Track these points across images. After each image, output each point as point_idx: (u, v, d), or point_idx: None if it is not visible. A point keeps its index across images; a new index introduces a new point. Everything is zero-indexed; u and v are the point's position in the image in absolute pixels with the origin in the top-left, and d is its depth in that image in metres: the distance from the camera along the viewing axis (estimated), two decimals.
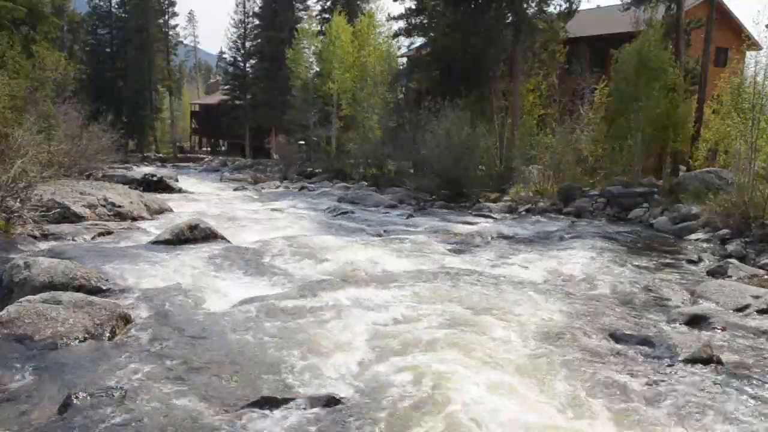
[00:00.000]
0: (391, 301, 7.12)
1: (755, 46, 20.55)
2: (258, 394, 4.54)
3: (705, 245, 11.75)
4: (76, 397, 4.21)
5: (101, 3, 48.35)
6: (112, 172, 24.17)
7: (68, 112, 21.60)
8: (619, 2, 23.18)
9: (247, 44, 47.28)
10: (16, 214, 10.62)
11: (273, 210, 16.89)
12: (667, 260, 10.46)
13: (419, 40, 29.17)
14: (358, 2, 39.14)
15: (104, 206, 13.46)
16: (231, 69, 49.51)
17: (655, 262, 10.22)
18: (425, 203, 19.55)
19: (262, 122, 43.48)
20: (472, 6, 24.67)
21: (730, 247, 10.98)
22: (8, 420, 4.06)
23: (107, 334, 5.57)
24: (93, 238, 10.62)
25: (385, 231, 13.17)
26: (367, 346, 5.57)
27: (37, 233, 10.43)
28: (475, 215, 16.75)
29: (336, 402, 4.44)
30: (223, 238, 10.47)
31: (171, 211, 15.42)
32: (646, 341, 5.84)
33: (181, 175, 28.61)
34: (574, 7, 24.12)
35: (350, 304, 6.98)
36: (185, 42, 69.21)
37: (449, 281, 8.34)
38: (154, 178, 22.01)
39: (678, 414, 4.48)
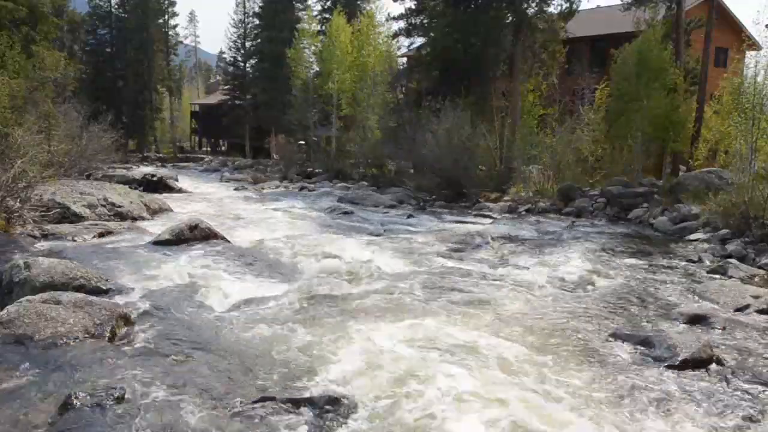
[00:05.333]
0: (392, 302, 7.12)
1: (755, 46, 20.56)
2: (258, 394, 4.54)
3: (705, 245, 11.74)
4: (76, 397, 4.21)
5: (101, 3, 48.24)
6: (112, 172, 24.15)
7: (68, 112, 21.55)
8: (619, 2, 23.17)
9: (247, 44, 47.23)
10: (16, 214, 10.62)
11: (273, 210, 16.89)
12: (667, 260, 10.46)
13: (419, 40, 29.13)
14: (358, 2, 39.09)
15: (104, 206, 13.45)
16: (231, 69, 49.46)
17: (655, 262, 10.22)
18: (425, 203, 19.55)
19: (262, 122, 43.44)
20: (472, 6, 24.66)
21: (730, 247, 10.98)
22: (8, 420, 4.06)
23: (107, 334, 5.57)
24: (93, 238, 10.62)
25: (385, 231, 13.18)
26: (367, 347, 5.56)
27: (37, 233, 10.43)
28: (475, 215, 16.76)
29: (337, 402, 4.43)
30: (223, 238, 10.47)
31: (171, 210, 15.41)
32: (646, 341, 5.84)
33: (181, 175, 28.59)
34: (574, 7, 24.10)
35: (350, 304, 6.98)
36: (185, 42, 69.37)
37: (449, 281, 8.34)
38: (154, 178, 21.99)
39: (678, 414, 4.48)
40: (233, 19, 47.70)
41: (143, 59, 47.95)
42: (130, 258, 8.72)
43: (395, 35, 30.70)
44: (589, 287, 8.38)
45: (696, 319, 6.73)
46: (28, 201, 11.02)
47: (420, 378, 4.83)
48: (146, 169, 30.21)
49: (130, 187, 17.80)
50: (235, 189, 24.00)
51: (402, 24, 29.59)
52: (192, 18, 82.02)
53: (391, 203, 19.04)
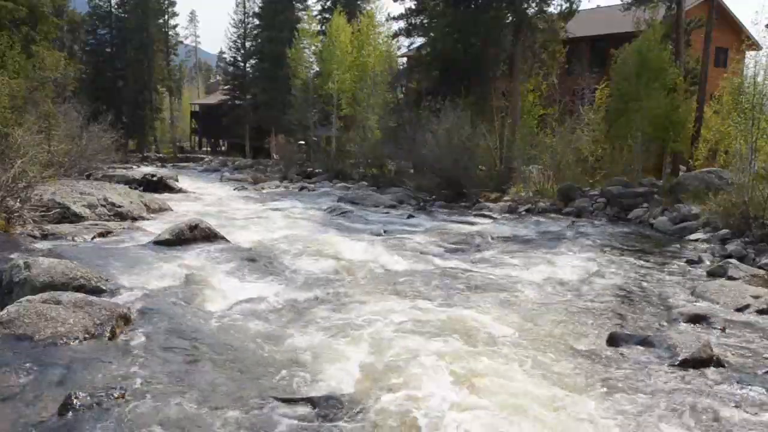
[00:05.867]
0: (391, 302, 7.12)
1: (755, 46, 20.56)
2: (258, 394, 4.54)
3: (705, 245, 11.75)
4: (76, 397, 4.21)
5: (101, 3, 48.27)
6: (112, 172, 24.15)
7: (68, 112, 21.54)
8: (619, 2, 23.17)
9: (247, 44, 47.24)
10: (16, 214, 10.62)
11: (273, 210, 16.89)
12: (667, 260, 10.46)
13: (419, 40, 29.12)
14: (358, 2, 39.10)
15: (104, 206, 13.46)
16: (231, 69, 49.46)
17: (655, 262, 10.23)
18: (425, 203, 19.55)
19: (262, 122, 43.43)
20: (472, 6, 24.65)
21: (730, 247, 10.98)
22: (8, 420, 4.06)
23: (107, 334, 5.57)
24: (93, 238, 10.62)
25: (385, 231, 13.18)
26: (367, 347, 5.57)
27: (37, 233, 10.43)
28: (475, 215, 16.75)
29: (336, 402, 4.44)
30: (223, 238, 10.47)
31: (171, 210, 15.42)
32: (646, 341, 5.85)
33: (181, 175, 28.59)
34: (574, 7, 24.08)
35: (350, 304, 6.98)
36: (185, 42, 69.41)
37: (449, 281, 8.34)
38: (154, 178, 21.99)
39: (678, 414, 4.48)
40: (233, 19, 47.74)
41: (143, 59, 47.95)
42: (130, 258, 8.72)
43: (395, 35, 30.69)
44: (589, 287, 8.38)
45: (696, 319, 6.73)
46: (28, 201, 11.02)
47: (417, 381, 4.82)
48: (146, 169, 30.22)
49: (130, 187, 17.81)
50: (235, 189, 24.01)
51: (402, 24, 29.59)
52: (192, 18, 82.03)
53: (391, 203, 19.04)
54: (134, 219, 13.50)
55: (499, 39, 24.03)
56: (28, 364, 4.86)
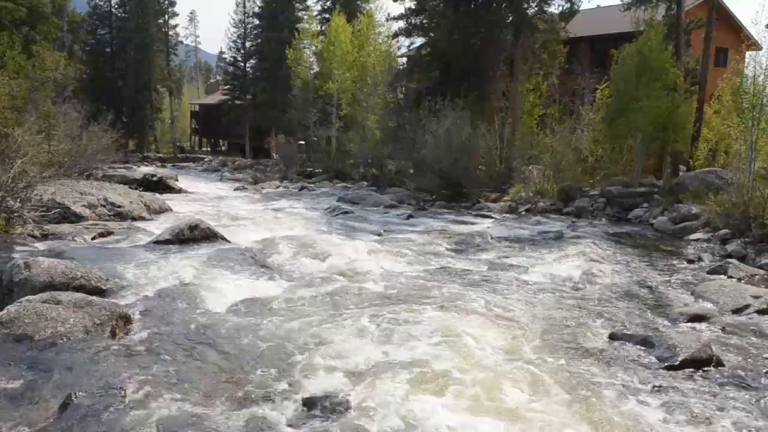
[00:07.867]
0: (391, 302, 7.12)
1: (755, 46, 20.54)
2: (258, 394, 4.54)
3: (705, 245, 11.74)
4: (76, 397, 4.22)
5: (101, 3, 48.31)
6: (112, 172, 24.12)
7: (68, 112, 21.54)
8: (619, 2, 23.16)
9: (247, 44, 47.23)
10: (16, 214, 10.62)
11: (273, 210, 16.90)
12: (667, 260, 10.46)
13: (419, 40, 29.12)
14: (358, 2, 39.10)
15: (104, 206, 13.46)
16: (231, 69, 49.44)
17: (655, 262, 10.23)
18: (425, 203, 19.55)
19: (262, 122, 43.40)
20: (472, 6, 24.66)
21: (730, 247, 10.98)
22: (8, 420, 4.06)
23: (107, 334, 5.57)
24: (93, 238, 10.63)
25: (385, 231, 13.17)
26: (366, 347, 5.57)
27: (37, 233, 10.44)
28: (475, 215, 16.75)
29: (336, 402, 4.43)
30: (223, 237, 10.48)
31: (171, 211, 15.41)
32: (646, 341, 5.85)
33: (181, 175, 28.59)
34: (575, 7, 24.10)
35: (350, 304, 6.98)
36: (186, 42, 69.46)
37: (448, 281, 8.34)
38: (154, 178, 21.98)
39: (678, 414, 4.48)
40: (233, 19, 47.71)
41: (143, 59, 47.90)
42: (130, 258, 8.72)
43: (395, 35, 30.69)
44: (589, 287, 8.38)
45: (696, 319, 6.73)
46: (28, 201, 11.02)
47: (416, 381, 4.82)
48: (146, 169, 30.18)
49: (130, 187, 17.80)
50: (235, 189, 24.01)
51: (402, 24, 29.59)
52: (192, 18, 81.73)
53: (391, 203, 19.04)
54: (134, 219, 13.50)
55: (499, 39, 24.05)
56: (28, 364, 4.87)
